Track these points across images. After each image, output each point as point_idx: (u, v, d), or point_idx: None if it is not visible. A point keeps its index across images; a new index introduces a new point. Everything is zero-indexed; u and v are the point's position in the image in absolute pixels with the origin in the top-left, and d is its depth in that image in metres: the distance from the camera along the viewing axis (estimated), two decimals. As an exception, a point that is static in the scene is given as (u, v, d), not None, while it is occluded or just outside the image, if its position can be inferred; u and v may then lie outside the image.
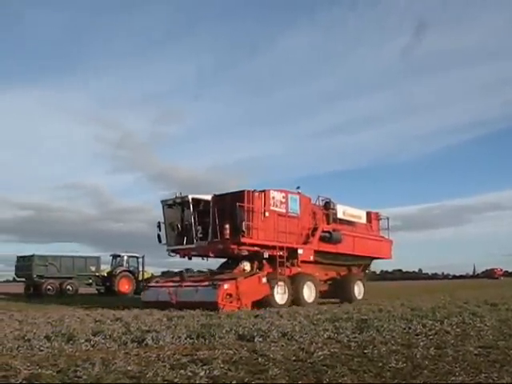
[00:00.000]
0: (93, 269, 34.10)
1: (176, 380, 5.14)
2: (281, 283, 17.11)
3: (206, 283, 16.31)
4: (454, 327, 9.49)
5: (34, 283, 32.79)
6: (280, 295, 17.05)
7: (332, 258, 21.06)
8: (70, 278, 33.42)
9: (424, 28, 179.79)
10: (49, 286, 32.19)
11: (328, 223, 20.82)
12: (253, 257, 17.85)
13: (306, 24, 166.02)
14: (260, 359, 6.23)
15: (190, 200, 17.95)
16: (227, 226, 16.69)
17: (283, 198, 18.68)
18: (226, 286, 15.49)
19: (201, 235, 17.82)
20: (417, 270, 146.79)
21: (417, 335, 8.49)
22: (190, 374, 5.38)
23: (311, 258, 19.52)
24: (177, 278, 18.36)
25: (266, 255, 17.72)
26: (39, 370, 5.55)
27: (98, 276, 33.61)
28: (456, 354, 6.69)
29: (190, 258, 19.37)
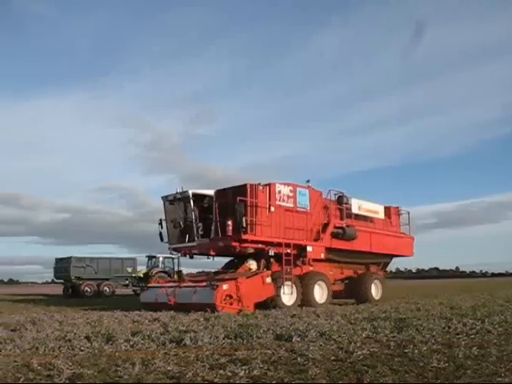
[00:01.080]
0: (129, 270, 34.60)
1: (216, 380, 5.14)
2: (288, 283, 16.17)
3: (204, 284, 15.41)
4: (496, 326, 9.25)
5: (72, 284, 33.44)
6: (287, 296, 16.15)
7: (347, 256, 20.03)
8: (107, 279, 33.99)
9: (457, 22, 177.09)
10: (86, 288, 32.82)
11: (341, 219, 19.65)
12: (259, 255, 17.00)
13: (338, 22, 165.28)
14: (299, 359, 6.18)
15: (191, 195, 17.08)
16: (229, 223, 15.94)
17: (291, 191, 17.67)
18: (224, 287, 14.56)
19: (202, 232, 17.05)
20: (454, 268, 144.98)
21: (457, 334, 8.31)
22: (229, 373, 5.37)
23: (322, 256, 18.39)
24: (183, 278, 17.85)
25: (271, 253, 16.81)
26: (81, 370, 5.61)
27: (134, 277, 34.03)
28: (500, 353, 6.52)
29: (191, 257, 18.63)
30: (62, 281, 36.42)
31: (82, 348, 7.19)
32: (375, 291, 20.44)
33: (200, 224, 17.05)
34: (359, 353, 6.55)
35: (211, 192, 17.17)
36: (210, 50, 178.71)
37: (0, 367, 5.69)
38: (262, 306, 14.93)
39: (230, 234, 15.82)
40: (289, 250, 16.56)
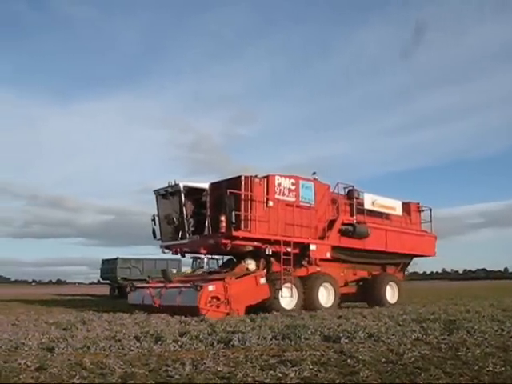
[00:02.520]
0: (174, 271, 34.87)
1: (267, 381, 5.11)
2: (287, 285, 15.07)
3: (189, 284, 14.26)
4: (552, 329, 8.97)
5: (119, 285, 33.94)
6: (286, 299, 15.06)
7: (359, 256, 18.62)
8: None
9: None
10: (133, 288, 33.21)
11: (352, 215, 18.19)
12: (258, 254, 15.75)
13: (378, 21, 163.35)
14: (349, 360, 6.11)
15: (182, 188, 15.86)
16: (223, 218, 14.65)
17: (293, 184, 16.35)
18: (210, 288, 13.50)
19: (193, 229, 15.99)
20: (502, 270, 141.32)
21: (512, 337, 8.10)
22: (279, 374, 5.34)
23: (328, 255, 16.89)
24: (191, 277, 16.87)
25: (268, 252, 15.44)
26: (132, 369, 5.67)
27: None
28: (559, 357, 6.30)
29: (183, 256, 17.50)
30: (108, 281, 37.08)
31: (132, 348, 7.27)
32: (391, 294, 19.11)
33: (191, 220, 16.01)
34: (410, 355, 6.42)
35: (205, 185, 16.07)
36: (249, 50, 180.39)
37: (55, 365, 5.80)
38: (256, 309, 13.95)
39: (223, 230, 14.63)
40: (289, 249, 15.43)
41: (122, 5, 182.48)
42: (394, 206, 20.20)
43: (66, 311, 16.09)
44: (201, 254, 16.89)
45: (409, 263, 21.87)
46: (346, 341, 7.75)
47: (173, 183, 16.03)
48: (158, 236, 17.01)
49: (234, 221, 14.40)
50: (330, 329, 8.98)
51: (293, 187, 16.36)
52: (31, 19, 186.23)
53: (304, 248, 16.30)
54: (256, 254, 15.82)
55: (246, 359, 6.25)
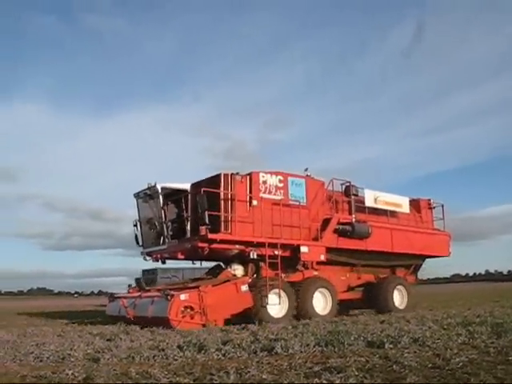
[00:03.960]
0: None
1: (312, 388, 5.08)
2: (275, 291, 13.91)
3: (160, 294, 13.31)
4: None
5: (159, 295, 34.08)
6: (275, 307, 13.92)
7: (362, 258, 17.30)
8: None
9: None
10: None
11: (350, 213, 16.89)
12: (246, 258, 14.65)
13: (413, 19, 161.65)
14: (394, 366, 6.00)
15: (160, 190, 14.84)
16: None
17: (280, 182, 15.23)
18: (182, 297, 12.52)
19: (171, 233, 14.94)
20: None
21: None
22: (324, 382, 5.28)
23: (322, 258, 15.62)
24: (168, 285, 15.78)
25: (253, 255, 14.32)
26: (177, 379, 5.70)
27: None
28: None
29: (163, 262, 16.04)
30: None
31: (176, 357, 7.30)
32: (399, 299, 17.83)
33: (169, 223, 14.99)
34: (457, 360, 6.27)
35: (186, 186, 14.99)
36: (282, 55, 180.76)
37: (101, 376, 5.87)
38: (242, 319, 13.08)
39: (202, 233, 13.64)
40: (275, 252, 14.36)
41: (150, 15, 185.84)
42: (400, 203, 18.98)
43: (109, 322, 16.28)
44: (179, 259, 15.41)
45: (421, 265, 20.35)
46: (391, 346, 7.64)
47: (151, 185, 15.10)
48: (141, 242, 16.18)
49: (207, 222, 13.47)
50: (373, 334, 8.86)
51: (280, 184, 15.31)
52: (61, 32, 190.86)
53: (295, 250, 15.19)
54: (244, 259, 14.76)
55: (290, 367, 6.20)
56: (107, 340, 9.69)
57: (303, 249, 15.16)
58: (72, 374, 6.05)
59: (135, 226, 16.17)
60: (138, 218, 16.12)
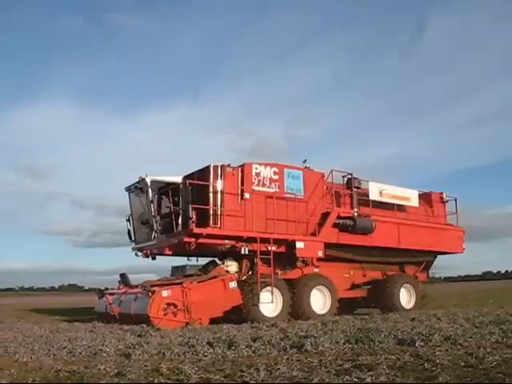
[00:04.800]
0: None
1: (343, 386, 5.06)
2: (268, 289, 13.33)
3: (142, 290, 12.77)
4: None
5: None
6: (268, 305, 13.37)
7: (367, 254, 16.59)
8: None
9: None
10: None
11: (352, 207, 16.03)
12: (241, 254, 13.92)
13: (442, 13, 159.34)
14: (426, 364, 5.94)
15: (149, 183, 14.25)
16: (192, 215, 13.11)
17: (275, 174, 14.50)
18: (164, 294, 12.05)
19: (160, 227, 14.41)
20: None
21: None
22: (355, 379, 5.26)
23: (319, 254, 14.76)
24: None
25: (244, 251, 13.70)
26: (207, 375, 5.72)
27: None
28: None
29: (153, 258, 15.30)
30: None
31: (206, 354, 7.33)
32: (406, 298, 16.96)
33: (158, 218, 14.48)
34: (491, 359, 6.18)
35: (178, 178, 14.25)
36: (308, 52, 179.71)
37: (133, 371, 5.93)
38: (224, 319, 12.70)
39: (191, 227, 13.04)
40: (269, 247, 13.73)
41: (175, 14, 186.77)
42: (408, 197, 17.91)
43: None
44: (167, 255, 14.83)
45: (432, 262, 19.28)
46: (422, 344, 7.58)
47: (142, 178, 14.52)
48: (133, 237, 15.64)
49: (190, 215, 12.95)
50: (403, 332, 8.81)
51: (275, 177, 14.57)
52: (88, 33, 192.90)
53: (290, 246, 14.48)
54: (238, 255, 14.06)
55: (320, 364, 6.18)
56: (138, 336, 9.78)
57: (299, 244, 14.44)
58: (104, 369, 6.14)
59: (128, 220, 15.72)
60: (130, 212, 15.70)
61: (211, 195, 13.36)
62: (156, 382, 5.45)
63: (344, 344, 7.73)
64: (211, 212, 13.28)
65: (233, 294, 12.92)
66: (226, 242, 13.67)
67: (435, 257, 19.15)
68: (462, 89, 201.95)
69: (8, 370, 6.18)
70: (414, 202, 18.01)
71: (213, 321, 12.51)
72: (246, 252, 13.75)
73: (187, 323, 11.93)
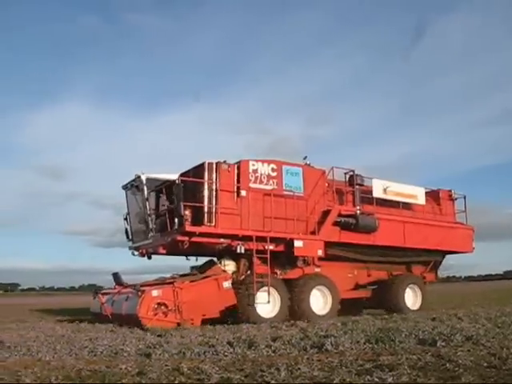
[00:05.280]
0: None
1: (364, 386, 5.03)
2: (265, 289, 13.06)
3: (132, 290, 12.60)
4: None
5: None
6: (265, 306, 13.11)
7: (372, 254, 16.14)
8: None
9: None
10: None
11: (354, 204, 15.59)
12: (239, 253, 13.59)
13: (463, 8, 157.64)
14: (448, 365, 5.87)
15: (145, 181, 14.15)
16: (187, 212, 12.99)
17: (273, 170, 14.20)
18: (154, 294, 11.86)
19: (155, 226, 14.22)
20: None
21: None
22: (376, 379, 5.22)
23: (319, 253, 14.42)
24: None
25: (240, 250, 13.37)
26: (228, 375, 5.71)
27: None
28: None
29: (149, 258, 14.96)
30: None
31: (226, 353, 7.33)
32: (412, 299, 16.56)
33: (153, 216, 14.31)
34: (514, 359, 6.10)
35: (174, 176, 13.95)
36: (326, 52, 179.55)
37: (154, 371, 5.96)
38: (219, 320, 12.53)
39: (185, 225, 12.85)
40: (266, 246, 13.43)
41: (192, 13, 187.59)
42: (415, 194, 17.35)
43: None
44: (161, 254, 14.60)
45: (441, 261, 18.75)
46: (443, 344, 7.49)
47: (137, 175, 14.40)
48: (130, 236, 15.49)
49: (182, 214, 12.81)
50: (424, 332, 8.74)
51: (273, 174, 14.23)
52: (105, 33, 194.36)
53: (289, 245, 14.13)
54: (237, 254, 13.73)
55: (341, 364, 6.15)
56: (158, 336, 9.83)
57: (297, 243, 14.08)
58: (125, 368, 6.17)
59: (125, 219, 15.57)
60: (127, 211, 15.51)
61: (206, 193, 13.14)
62: (177, 381, 5.47)
63: (364, 344, 7.69)
64: (206, 210, 13.05)
65: (227, 294, 12.72)
66: (221, 240, 13.44)
67: (443, 256, 18.68)
68: (477, 88, 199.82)
69: (31, 368, 6.24)
70: (421, 199, 17.54)
71: (211, 321, 12.41)
72: (242, 251, 13.45)
73: (178, 324, 11.79)
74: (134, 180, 14.58)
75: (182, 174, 13.96)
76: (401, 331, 8.69)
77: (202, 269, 13.98)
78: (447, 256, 18.92)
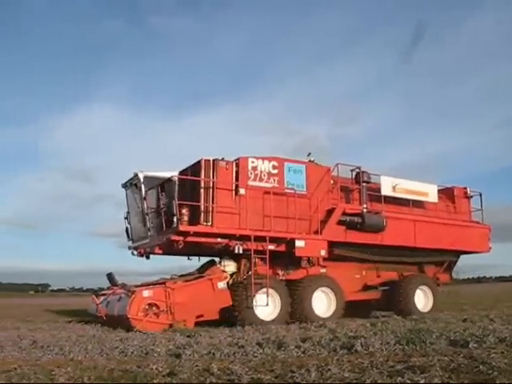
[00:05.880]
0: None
1: (396, 388, 4.98)
2: (264, 290, 12.70)
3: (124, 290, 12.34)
4: None
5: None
6: (265, 308, 12.73)
7: (381, 254, 15.46)
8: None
9: None
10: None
11: (361, 202, 14.97)
12: (239, 253, 13.13)
13: (492, 4, 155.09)
14: (481, 367, 5.76)
15: (142, 179, 13.88)
16: (184, 211, 12.63)
17: (274, 168, 13.74)
18: (145, 294, 11.60)
19: (152, 225, 13.90)
20: None
21: None
22: (408, 381, 5.17)
23: (323, 253, 13.91)
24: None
25: (238, 250, 12.92)
26: (258, 375, 5.72)
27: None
28: None
29: (147, 257, 14.52)
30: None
31: (255, 354, 7.34)
32: (423, 300, 15.88)
33: (151, 215, 13.95)
34: (552, 363, 5.97)
35: (173, 174, 13.63)
36: (353, 51, 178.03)
37: (184, 371, 5.99)
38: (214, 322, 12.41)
39: (182, 224, 12.51)
40: (265, 246, 13.02)
41: (218, 15, 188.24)
42: (426, 192, 16.54)
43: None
44: (158, 254, 14.16)
45: (455, 262, 17.96)
46: (475, 346, 7.39)
47: (135, 174, 14.20)
48: (131, 235, 15.18)
49: (175, 212, 12.62)
50: (455, 333, 8.62)
51: (274, 171, 13.76)
52: (130, 36, 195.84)
53: (290, 245, 13.63)
54: (238, 254, 13.23)
55: (372, 365, 6.10)
56: (187, 336, 9.88)
57: (299, 243, 13.55)
58: (156, 368, 6.21)
59: (125, 218, 15.24)
60: (127, 209, 15.22)
61: (202, 191, 12.76)
62: (208, 382, 5.49)
63: (395, 345, 7.62)
64: (202, 209, 12.66)
65: (221, 295, 12.43)
66: (219, 240, 12.96)
67: (457, 256, 17.89)
68: (507, 86, 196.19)
69: (65, 368, 6.34)
70: (433, 197, 16.74)
71: (208, 323, 12.30)
72: (241, 251, 12.98)
73: (171, 325, 11.59)
74: (132, 178, 14.37)
75: (181, 172, 13.72)
76: (431, 332, 8.60)
77: (202, 269, 13.76)
78: (471, 256, 18.39)
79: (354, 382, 5.29)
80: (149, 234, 13.97)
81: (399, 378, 5.28)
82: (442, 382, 5.15)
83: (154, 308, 11.59)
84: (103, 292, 14.34)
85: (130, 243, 15.13)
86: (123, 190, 15.18)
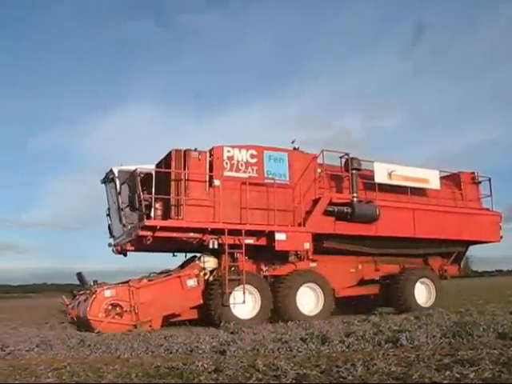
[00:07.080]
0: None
1: (445, 382, 4.87)
2: (239, 287, 12.08)
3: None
4: None
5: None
6: (243, 306, 12.13)
7: (376, 245, 14.46)
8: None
9: None
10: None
11: (351, 191, 13.96)
12: (219, 248, 12.53)
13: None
14: (534, 360, 5.65)
15: (116, 173, 13.29)
16: (157, 205, 12.26)
17: (252, 157, 13.03)
18: (107, 294, 11.13)
19: (128, 221, 13.28)
20: None
21: None
22: (457, 375, 5.07)
23: (307, 246, 13.03)
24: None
25: (213, 245, 12.33)
26: (304, 371, 5.69)
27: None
28: None
29: (124, 255, 13.81)
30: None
31: (300, 349, 7.33)
32: (424, 295, 14.92)
33: (123, 211, 13.30)
34: None
35: (151, 167, 13.09)
36: (385, 43, 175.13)
37: (230, 367, 6.01)
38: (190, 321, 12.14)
39: (145, 220, 11.98)
40: (241, 240, 12.36)
41: (248, 12, 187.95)
42: (426, 178, 15.36)
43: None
44: (130, 251, 13.46)
45: (464, 253, 16.87)
46: (525, 338, 7.22)
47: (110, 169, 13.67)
48: (113, 232, 14.50)
49: (137, 207, 12.18)
50: (503, 326, 8.43)
51: (253, 160, 13.04)
52: (160, 35, 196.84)
53: (270, 238, 12.86)
54: (218, 249, 12.63)
55: (418, 359, 6.02)
56: (231, 333, 9.93)
57: (279, 236, 12.73)
58: (202, 365, 6.24)
59: (107, 215, 14.63)
60: (107, 206, 14.63)
61: (172, 183, 12.17)
62: (254, 378, 5.50)
63: (441, 338, 7.51)
64: (172, 202, 12.12)
65: (191, 293, 12.03)
66: (191, 235, 12.35)
67: (466, 247, 16.74)
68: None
69: (112, 365, 6.46)
70: (435, 184, 15.54)
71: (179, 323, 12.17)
72: (215, 246, 12.40)
73: (135, 325, 11.20)
74: (107, 173, 13.88)
75: (157, 165, 13.28)
76: (478, 325, 8.41)
77: (183, 266, 13.30)
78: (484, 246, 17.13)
79: (402, 376, 5.21)
80: (124, 230, 13.42)
81: (448, 372, 5.19)
82: (493, 375, 5.04)
83: (117, 308, 11.23)
84: (81, 292, 13.52)
85: (112, 240, 14.51)
86: (103, 185, 14.61)
